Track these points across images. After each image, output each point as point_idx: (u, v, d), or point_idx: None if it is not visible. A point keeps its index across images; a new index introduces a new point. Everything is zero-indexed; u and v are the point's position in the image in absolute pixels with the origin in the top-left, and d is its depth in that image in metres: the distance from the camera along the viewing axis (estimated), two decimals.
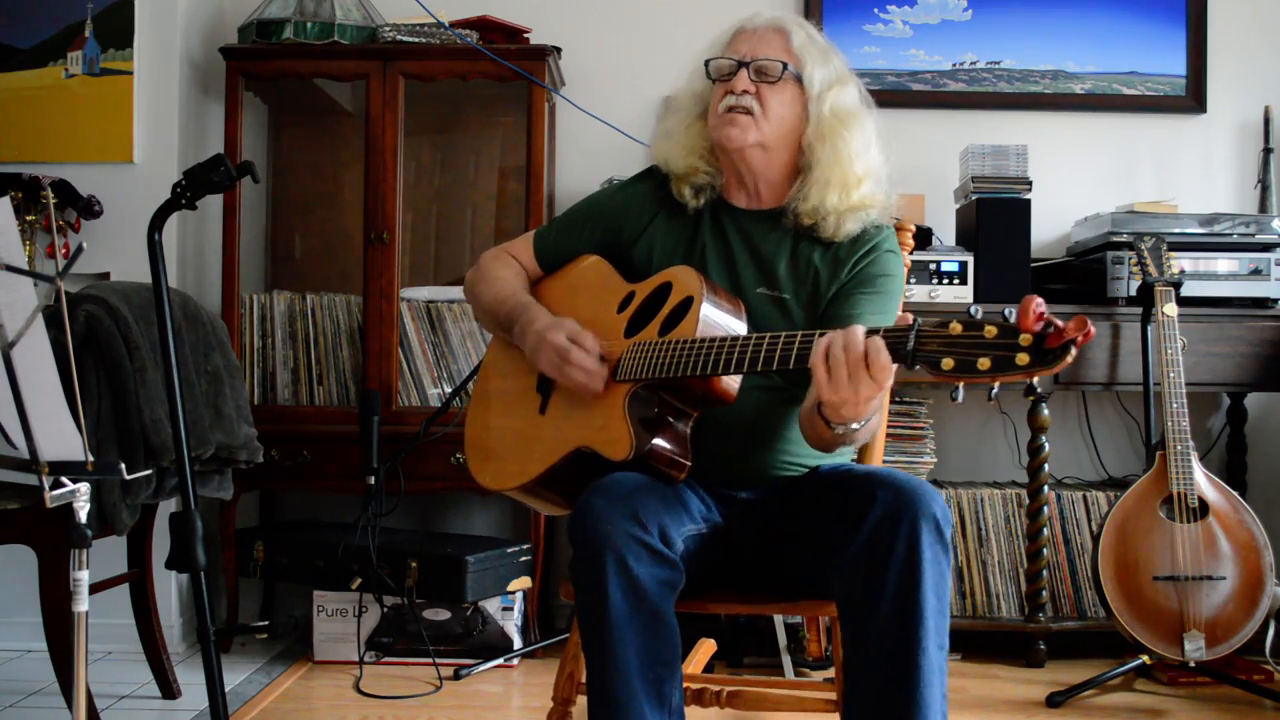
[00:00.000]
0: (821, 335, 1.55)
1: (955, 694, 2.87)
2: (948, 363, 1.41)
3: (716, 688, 2.06)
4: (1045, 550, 3.13)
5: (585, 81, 3.54)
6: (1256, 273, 3.14)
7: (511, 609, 3.11)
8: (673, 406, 1.77)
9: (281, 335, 3.31)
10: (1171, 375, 2.86)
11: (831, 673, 2.76)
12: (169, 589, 3.13)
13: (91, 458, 1.66)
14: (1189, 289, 3.08)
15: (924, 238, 3.19)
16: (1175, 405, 2.84)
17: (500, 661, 3.07)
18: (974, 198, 3.23)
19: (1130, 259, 3.07)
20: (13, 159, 3.18)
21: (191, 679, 2.81)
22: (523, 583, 3.13)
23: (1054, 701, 2.82)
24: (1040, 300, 1.36)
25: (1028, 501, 3.15)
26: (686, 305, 1.78)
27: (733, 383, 1.74)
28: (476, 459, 2.02)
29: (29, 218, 3.12)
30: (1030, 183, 3.22)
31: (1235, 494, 2.88)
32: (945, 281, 3.16)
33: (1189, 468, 2.84)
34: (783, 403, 1.85)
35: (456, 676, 2.97)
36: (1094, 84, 3.58)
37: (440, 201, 3.65)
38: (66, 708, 2.47)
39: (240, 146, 3.24)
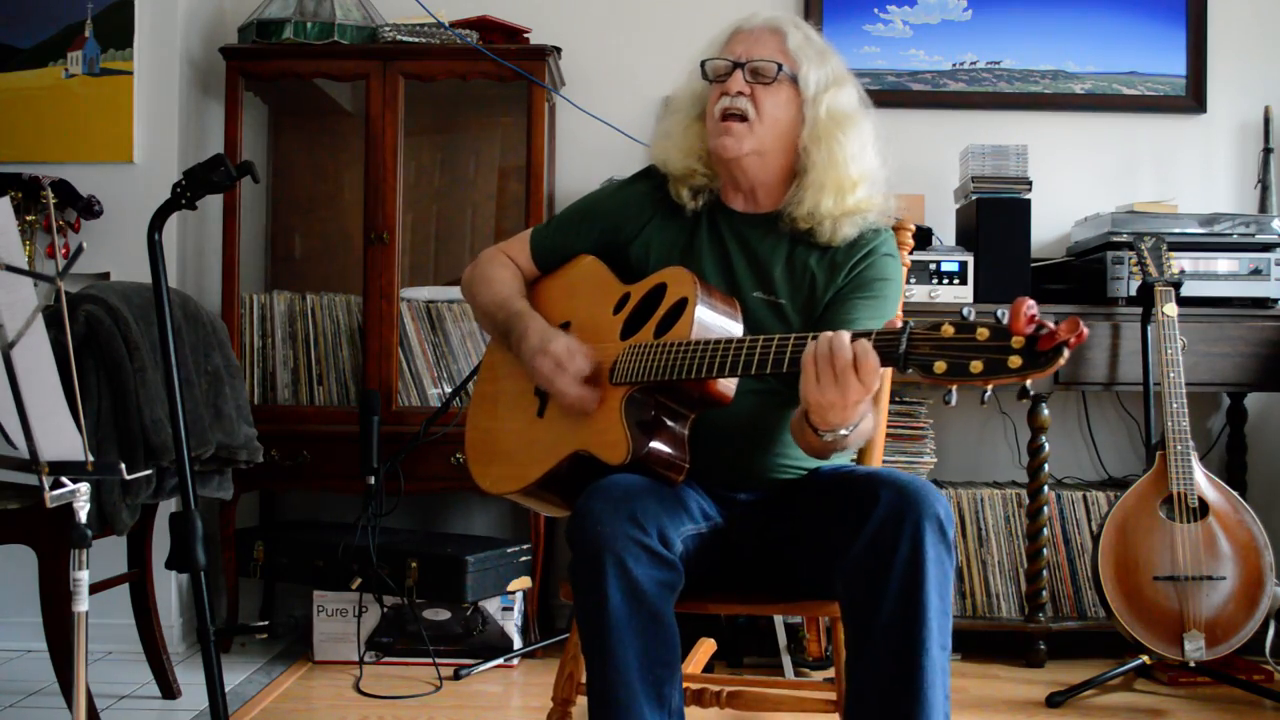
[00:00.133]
0: (814, 338, 1.54)
1: (955, 694, 2.86)
2: (940, 366, 1.40)
3: (716, 688, 2.06)
4: (1045, 550, 3.13)
5: (585, 81, 3.54)
6: (1256, 273, 3.14)
7: (511, 609, 3.11)
8: (669, 409, 1.77)
9: (281, 335, 3.31)
10: (1171, 375, 2.86)
11: (831, 673, 2.76)
12: (169, 589, 3.13)
13: (91, 458, 1.66)
14: (1189, 289, 3.08)
15: (924, 238, 3.19)
16: (1175, 405, 2.84)
17: (500, 661, 3.07)
18: (974, 198, 3.23)
19: (1130, 259, 3.07)
20: (13, 159, 3.18)
21: (191, 679, 2.81)
22: (523, 583, 3.13)
23: (1054, 701, 2.82)
24: (1032, 302, 1.35)
25: (1028, 501, 3.15)
26: (681, 306, 1.77)
27: (729, 385, 1.74)
28: (477, 463, 2.02)
29: (29, 218, 3.12)
30: (1030, 183, 3.22)
31: (1235, 494, 2.88)
32: (945, 282, 3.16)
33: (1189, 468, 2.84)
34: (779, 406, 1.85)
35: (456, 676, 2.97)
36: (1094, 84, 3.58)
37: (440, 201, 3.64)
38: (66, 708, 2.47)
39: (240, 146, 3.24)
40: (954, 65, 3.60)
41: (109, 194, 3.17)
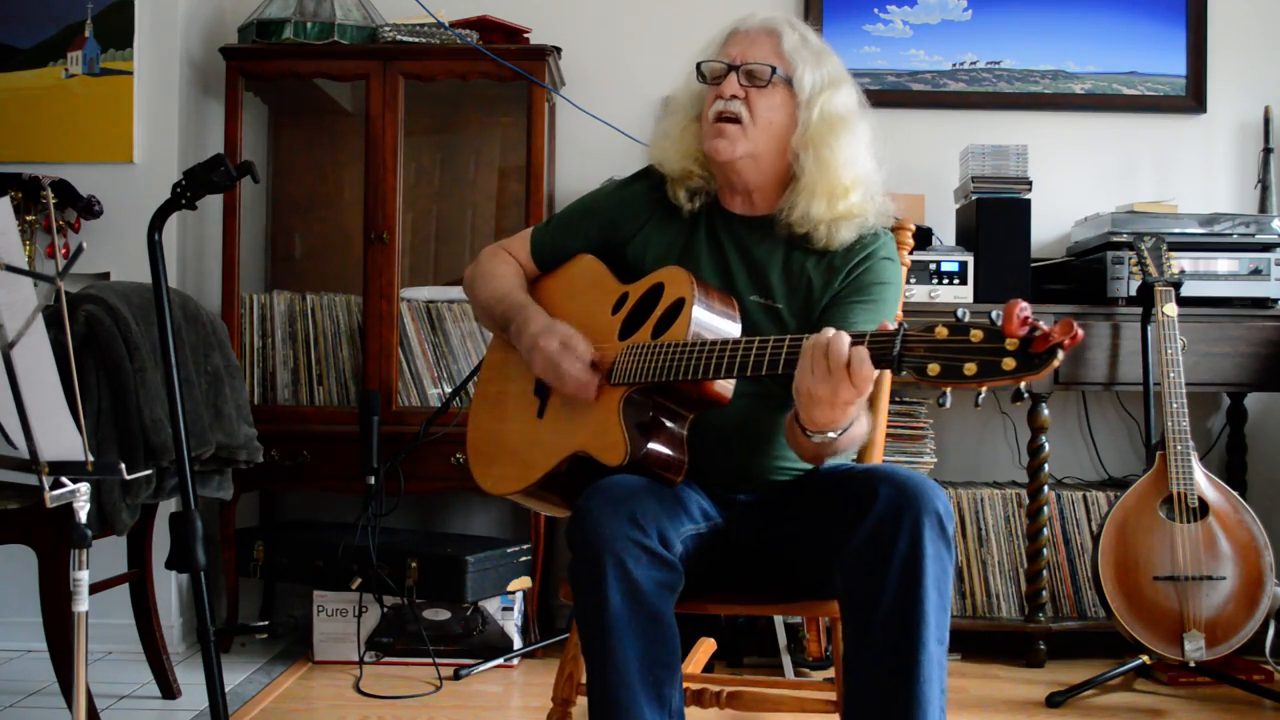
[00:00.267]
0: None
1: (955, 694, 2.87)
2: (934, 368, 1.40)
3: (716, 688, 2.06)
4: (1045, 550, 3.13)
5: (585, 81, 3.54)
6: (1256, 273, 3.14)
7: (511, 609, 3.11)
8: (668, 409, 1.77)
9: (281, 335, 3.31)
10: (1171, 375, 2.86)
11: (831, 672, 2.76)
12: (169, 589, 3.13)
13: (91, 458, 1.66)
14: (1189, 289, 3.08)
15: (924, 238, 3.19)
16: (1175, 405, 2.84)
17: (500, 661, 3.07)
18: (974, 198, 3.23)
19: (1130, 259, 3.07)
20: (13, 159, 3.18)
21: (191, 679, 2.81)
22: (523, 583, 3.13)
23: (1054, 701, 2.82)
24: (1025, 304, 1.35)
25: (1028, 501, 3.15)
26: (679, 307, 1.77)
27: (727, 385, 1.74)
28: (478, 463, 2.02)
29: (29, 218, 3.12)
30: (1030, 183, 3.22)
31: (1235, 494, 2.88)
32: (945, 281, 3.16)
33: (1189, 468, 2.84)
34: (776, 409, 1.84)
35: (456, 676, 2.97)
36: (1094, 84, 3.58)
37: (440, 201, 3.64)
38: (66, 708, 2.47)
39: (240, 146, 3.24)
40: (954, 65, 3.60)
41: (109, 194, 3.17)
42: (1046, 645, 3.16)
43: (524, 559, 3.15)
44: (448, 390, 3.26)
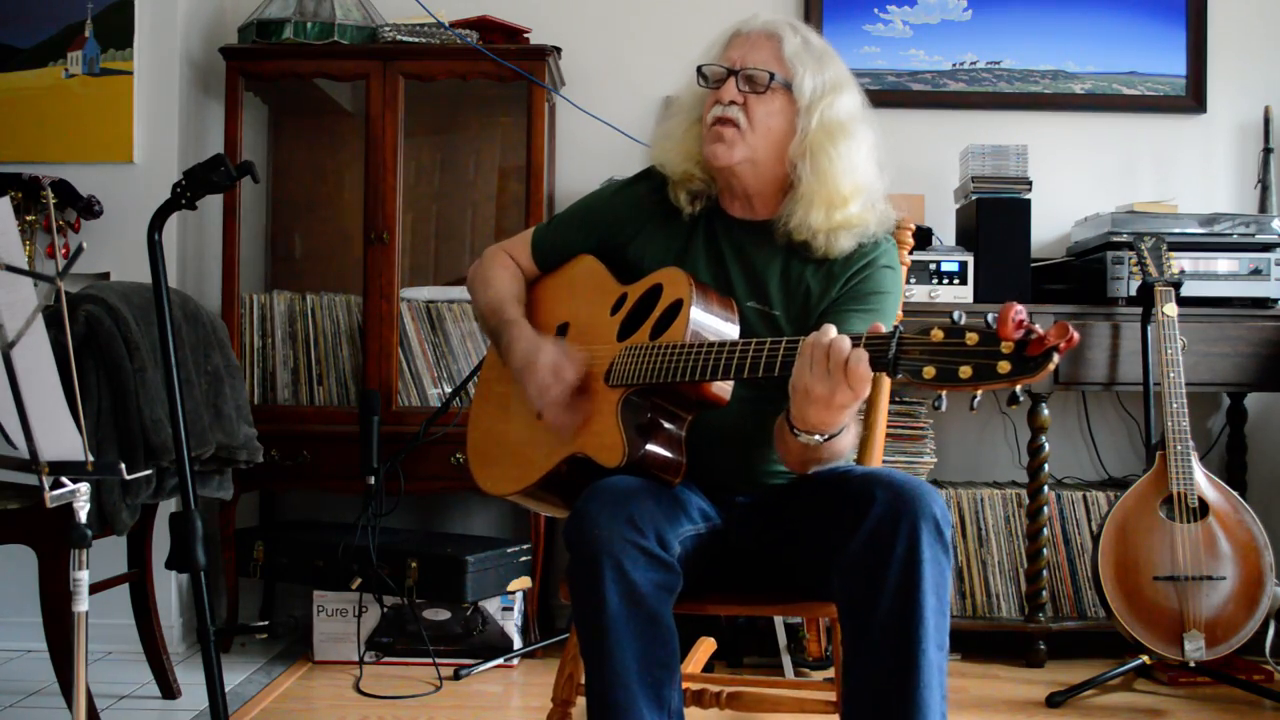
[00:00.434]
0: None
1: (955, 694, 2.87)
2: (929, 371, 1.39)
3: (716, 689, 2.06)
4: (1045, 550, 3.13)
5: (585, 81, 3.54)
6: (1256, 273, 3.14)
7: (511, 609, 3.11)
8: (666, 410, 1.76)
9: (281, 335, 3.31)
10: (1171, 375, 2.86)
11: (831, 672, 2.76)
12: (169, 589, 3.13)
13: (91, 458, 1.66)
14: (1189, 289, 3.08)
15: (924, 238, 3.19)
16: (1175, 405, 2.84)
17: (500, 661, 3.07)
18: (974, 198, 3.23)
19: (1130, 259, 3.07)
20: (13, 159, 3.18)
21: (191, 679, 2.81)
22: (523, 583, 3.13)
23: (1054, 701, 2.82)
24: (1020, 308, 1.34)
25: (1028, 501, 3.15)
26: (677, 308, 1.77)
27: (725, 387, 1.73)
28: (477, 463, 2.02)
29: (29, 218, 3.12)
30: (1030, 183, 3.22)
31: (1235, 494, 2.88)
32: (945, 281, 3.16)
33: (1189, 468, 2.84)
34: (775, 410, 1.82)
35: (456, 676, 2.97)
36: (1094, 84, 3.58)
37: (440, 201, 3.64)
38: (66, 708, 2.47)
39: (240, 146, 3.24)
40: (954, 65, 3.60)
41: (109, 194, 3.17)
42: (1046, 645, 3.16)
43: (524, 559, 3.15)
44: (448, 390, 3.26)
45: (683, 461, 1.76)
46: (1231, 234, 3.16)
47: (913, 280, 3.12)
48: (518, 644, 3.12)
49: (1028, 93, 3.58)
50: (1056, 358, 1.33)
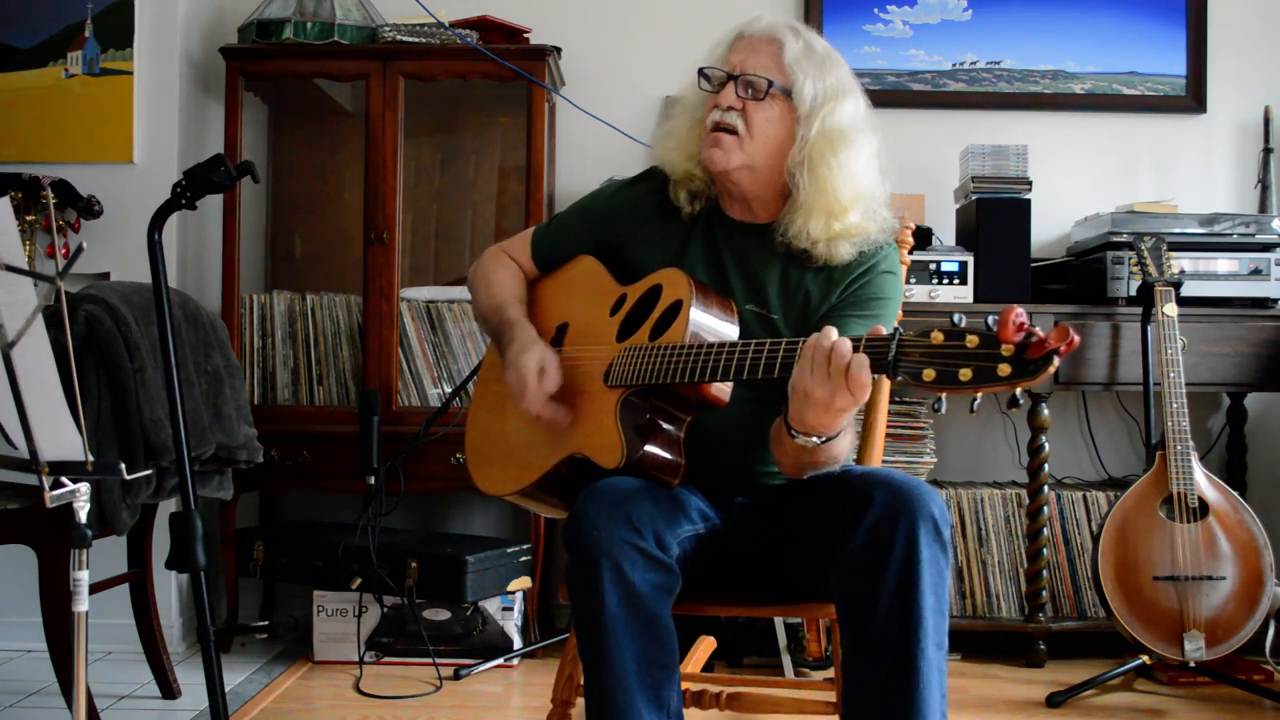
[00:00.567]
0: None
1: (955, 694, 2.87)
2: (929, 374, 1.39)
3: (716, 689, 2.06)
4: (1045, 550, 3.13)
5: (585, 81, 3.54)
6: (1256, 273, 3.14)
7: (511, 609, 3.11)
8: (665, 411, 1.76)
9: (281, 335, 3.31)
10: (1171, 375, 2.86)
11: (831, 673, 2.76)
12: (169, 589, 3.13)
13: (91, 458, 1.66)
14: (1189, 289, 3.08)
15: (924, 238, 3.19)
16: (1175, 405, 2.84)
17: (500, 661, 3.07)
18: (974, 198, 3.23)
19: (1130, 259, 3.07)
20: (13, 159, 3.18)
21: (191, 679, 2.81)
22: (523, 583, 3.13)
23: (1054, 701, 2.82)
24: (1020, 311, 1.33)
25: (1028, 501, 3.15)
26: (676, 309, 1.77)
27: (724, 389, 1.73)
28: (476, 463, 2.02)
29: (29, 218, 3.12)
30: (1030, 183, 3.22)
31: (1235, 494, 2.88)
32: (945, 281, 3.16)
33: (1189, 468, 2.84)
34: (773, 411, 1.82)
35: (456, 676, 2.97)
36: (1094, 84, 3.58)
37: (440, 201, 3.64)
38: (66, 708, 2.47)
39: (240, 146, 3.25)
40: (954, 65, 3.60)
41: (109, 194, 3.17)
42: (1046, 645, 3.16)
43: (524, 559, 3.15)
44: (448, 390, 3.26)
45: (681, 463, 1.76)
46: (1231, 234, 3.16)
47: (913, 280, 3.12)
48: (518, 644, 3.12)
49: (1028, 93, 3.58)
50: (1057, 360, 1.32)
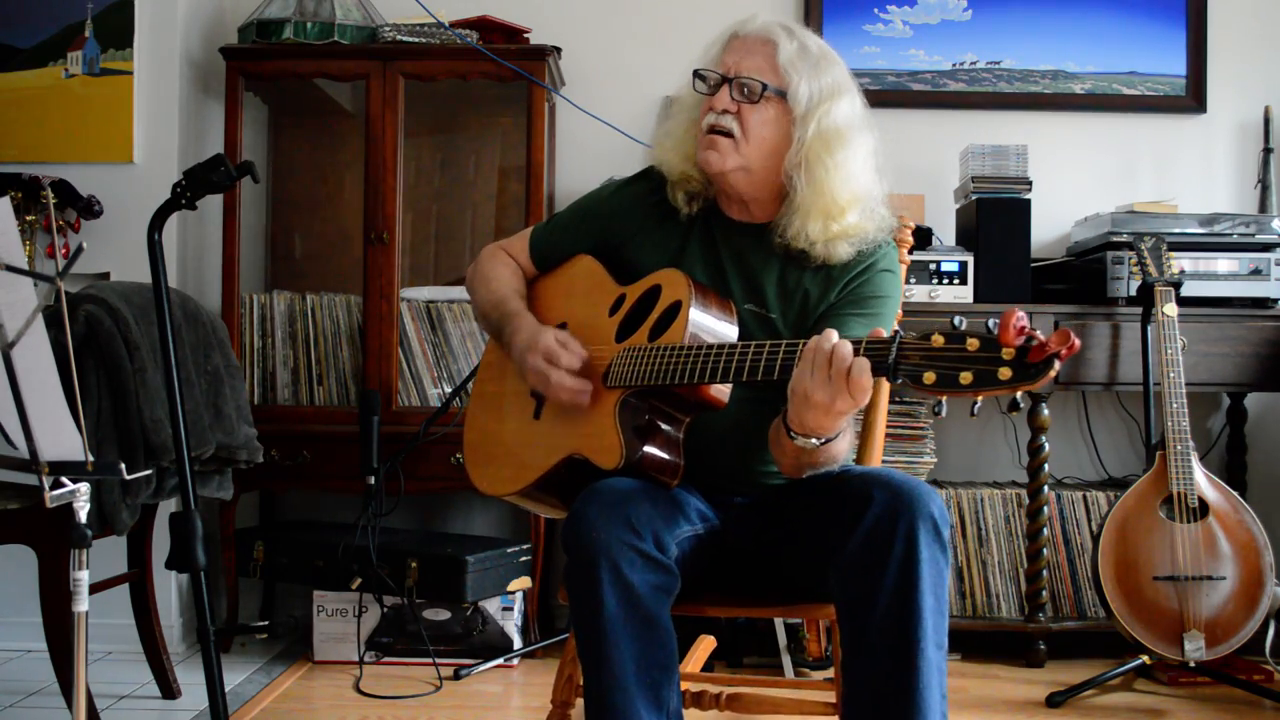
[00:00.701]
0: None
1: (955, 694, 2.87)
2: (929, 377, 1.38)
3: (716, 689, 2.06)
4: (1045, 550, 3.13)
5: (585, 81, 3.54)
6: (1256, 273, 3.14)
7: (511, 609, 3.11)
8: (664, 412, 1.76)
9: (281, 335, 3.31)
10: (1171, 375, 2.86)
11: (831, 673, 2.76)
12: (169, 589, 3.13)
13: (91, 458, 1.66)
14: (1189, 289, 3.08)
15: (924, 238, 3.19)
16: (1175, 405, 2.84)
17: (500, 661, 3.07)
18: (974, 198, 3.23)
19: (1130, 259, 3.07)
20: (13, 159, 3.18)
21: (191, 679, 2.81)
22: (523, 583, 3.13)
23: (1054, 701, 2.82)
24: (1021, 314, 1.33)
25: (1028, 501, 3.15)
26: (675, 309, 1.76)
27: (723, 390, 1.72)
28: (475, 464, 2.02)
29: (29, 218, 3.12)
30: (1030, 183, 3.22)
31: (1235, 494, 2.88)
32: (945, 281, 3.16)
33: (1189, 468, 2.84)
34: (772, 411, 1.81)
35: (456, 676, 2.97)
36: (1094, 84, 3.58)
37: (440, 201, 3.64)
38: (66, 708, 2.47)
39: (240, 146, 3.25)
40: (954, 65, 3.60)
41: (109, 194, 3.17)
42: (1046, 645, 3.16)
43: (524, 559, 3.15)
44: (448, 390, 3.26)
45: (680, 463, 1.76)
46: (1231, 234, 3.16)
47: (913, 280, 3.12)
48: (518, 644, 3.12)
49: (1028, 93, 3.58)
50: (1058, 364, 1.32)
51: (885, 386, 2.09)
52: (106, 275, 3.13)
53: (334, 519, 3.47)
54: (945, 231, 3.43)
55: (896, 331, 1.45)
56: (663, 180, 1.97)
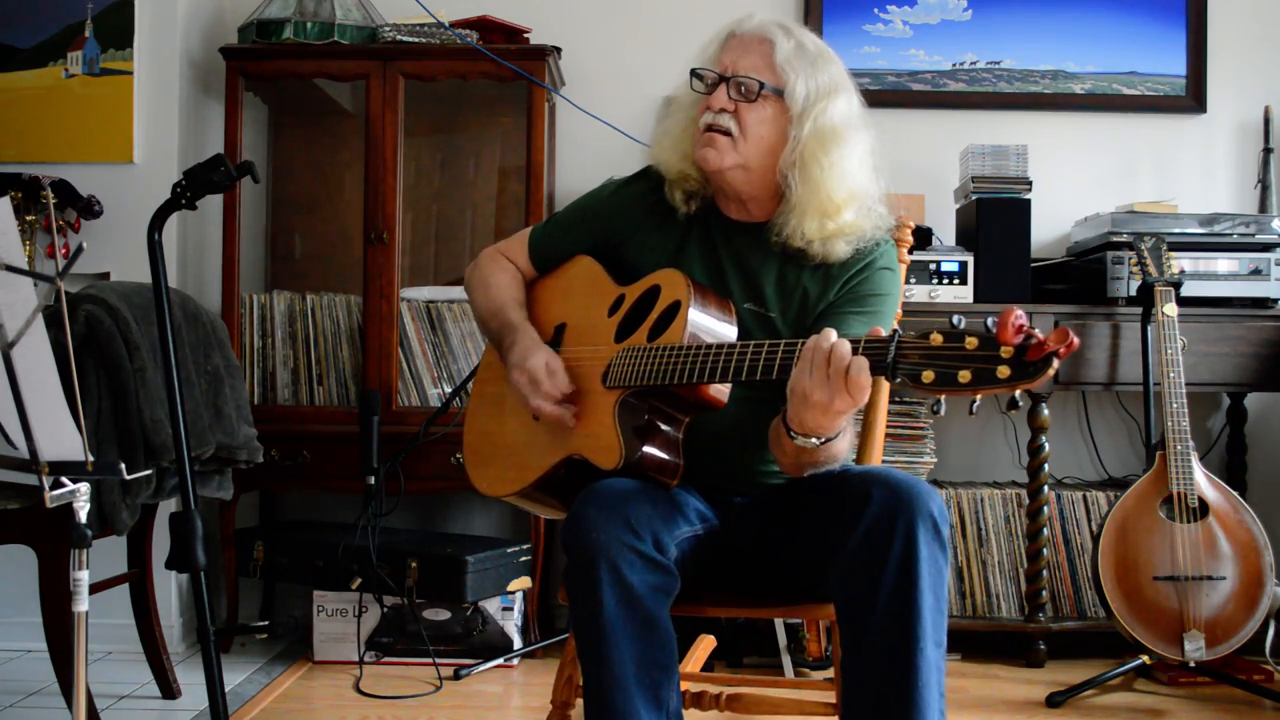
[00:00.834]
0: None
1: (955, 694, 2.87)
2: (928, 375, 1.39)
3: (716, 690, 2.06)
4: (1045, 550, 3.13)
5: (585, 81, 3.54)
6: (1256, 273, 3.14)
7: (511, 609, 3.11)
8: (663, 413, 1.76)
9: (281, 335, 3.31)
10: (1171, 375, 2.86)
11: (831, 673, 2.76)
12: (169, 589, 3.13)
13: (91, 458, 1.66)
14: (1189, 289, 3.08)
15: (924, 238, 3.19)
16: (1175, 405, 2.84)
17: (500, 661, 3.07)
18: (974, 198, 3.23)
19: (1130, 259, 3.07)
20: (13, 159, 3.18)
21: (191, 679, 2.81)
22: (523, 583, 3.14)
23: (1054, 701, 2.82)
24: (1020, 312, 1.33)
25: (1028, 501, 3.15)
26: (674, 309, 1.76)
27: (722, 390, 1.72)
28: (474, 464, 2.02)
29: (29, 218, 3.12)
30: (1030, 183, 3.22)
31: (1235, 494, 2.89)
32: (945, 282, 3.16)
33: (1189, 468, 2.84)
34: (772, 411, 1.82)
35: (456, 676, 2.97)
36: (1094, 84, 3.58)
37: (440, 201, 3.65)
38: (66, 708, 2.47)
39: (240, 146, 3.25)
40: (954, 65, 3.60)
41: (109, 194, 3.17)
42: (1046, 645, 3.16)
43: (524, 559, 3.15)
44: (448, 390, 3.26)
45: (680, 463, 1.76)
46: (1231, 234, 3.16)
47: (913, 280, 3.12)
48: (518, 644, 3.12)
49: (1028, 93, 3.58)
50: (1056, 363, 1.32)
51: (885, 386, 2.09)
52: (106, 275, 3.13)
53: (334, 519, 3.47)
54: (945, 231, 3.43)
55: (895, 330, 1.45)
56: (661, 180, 1.97)
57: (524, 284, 2.07)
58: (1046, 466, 3.12)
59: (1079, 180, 3.56)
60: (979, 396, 1.38)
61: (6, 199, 1.59)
